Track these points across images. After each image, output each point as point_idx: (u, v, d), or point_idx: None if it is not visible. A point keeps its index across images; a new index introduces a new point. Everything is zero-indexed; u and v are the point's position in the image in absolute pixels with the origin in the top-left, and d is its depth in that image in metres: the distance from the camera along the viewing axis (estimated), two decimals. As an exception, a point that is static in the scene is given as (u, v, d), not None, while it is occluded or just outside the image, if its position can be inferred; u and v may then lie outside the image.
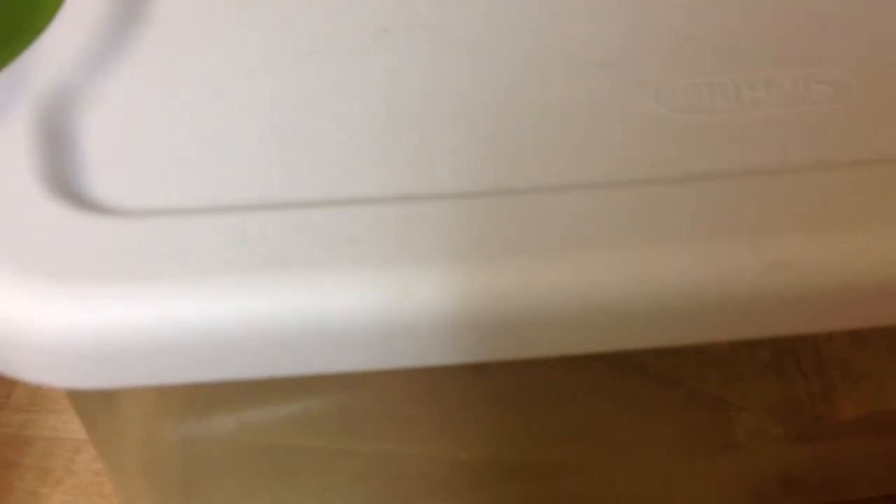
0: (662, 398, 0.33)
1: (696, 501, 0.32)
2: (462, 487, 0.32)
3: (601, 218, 0.21)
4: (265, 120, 0.23)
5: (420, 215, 0.21)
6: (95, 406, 0.28)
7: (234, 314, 0.20)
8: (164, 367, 0.20)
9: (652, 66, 0.24)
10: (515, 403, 0.33)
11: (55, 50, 0.24)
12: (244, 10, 0.25)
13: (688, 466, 0.32)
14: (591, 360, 0.32)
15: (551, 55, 0.24)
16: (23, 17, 0.24)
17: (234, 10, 0.25)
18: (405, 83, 0.24)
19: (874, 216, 0.21)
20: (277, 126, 0.23)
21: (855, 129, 0.23)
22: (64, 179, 0.22)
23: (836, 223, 0.21)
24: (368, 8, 0.25)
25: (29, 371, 0.20)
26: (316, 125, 0.23)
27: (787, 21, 0.25)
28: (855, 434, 0.31)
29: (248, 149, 0.22)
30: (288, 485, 0.32)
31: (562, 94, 0.23)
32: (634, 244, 0.20)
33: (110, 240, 0.20)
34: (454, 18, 0.25)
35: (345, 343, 0.20)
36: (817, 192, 0.21)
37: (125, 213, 0.21)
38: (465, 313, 0.20)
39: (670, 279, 0.20)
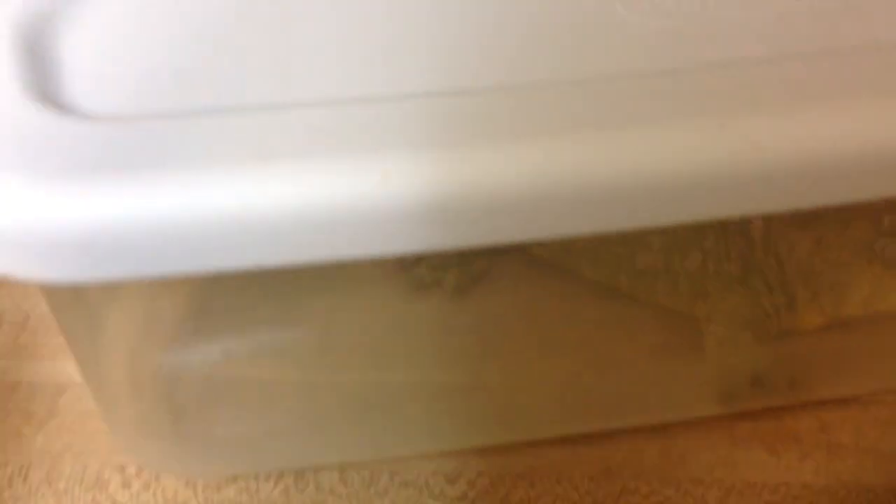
0: (637, 317, 0.34)
1: (669, 403, 0.33)
2: (441, 410, 0.33)
3: (572, 107, 0.22)
4: (233, 32, 0.24)
5: (394, 111, 0.22)
6: (82, 330, 0.28)
7: (215, 205, 0.20)
8: (146, 259, 0.20)
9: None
10: (498, 326, 0.34)
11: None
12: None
13: (661, 374, 0.33)
14: (571, 286, 0.34)
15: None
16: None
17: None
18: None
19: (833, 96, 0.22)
20: (248, 35, 0.23)
21: (810, 23, 0.24)
22: (45, 88, 0.22)
23: (795, 104, 0.22)
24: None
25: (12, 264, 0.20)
26: (290, 31, 0.24)
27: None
28: (818, 338, 0.32)
29: (221, 58, 0.23)
30: (269, 415, 0.33)
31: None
32: (606, 128, 0.21)
33: (92, 140, 0.21)
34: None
35: (328, 229, 0.21)
36: (778, 78, 0.22)
37: (104, 117, 0.21)
38: (439, 195, 0.20)
39: (642, 158, 0.21)
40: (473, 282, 0.35)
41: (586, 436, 0.33)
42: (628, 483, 0.32)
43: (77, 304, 0.29)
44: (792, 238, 0.31)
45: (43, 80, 0.22)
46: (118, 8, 0.24)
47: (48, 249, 0.20)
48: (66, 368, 0.35)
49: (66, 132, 0.21)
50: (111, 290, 0.31)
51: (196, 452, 0.32)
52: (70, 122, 0.21)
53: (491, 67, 0.23)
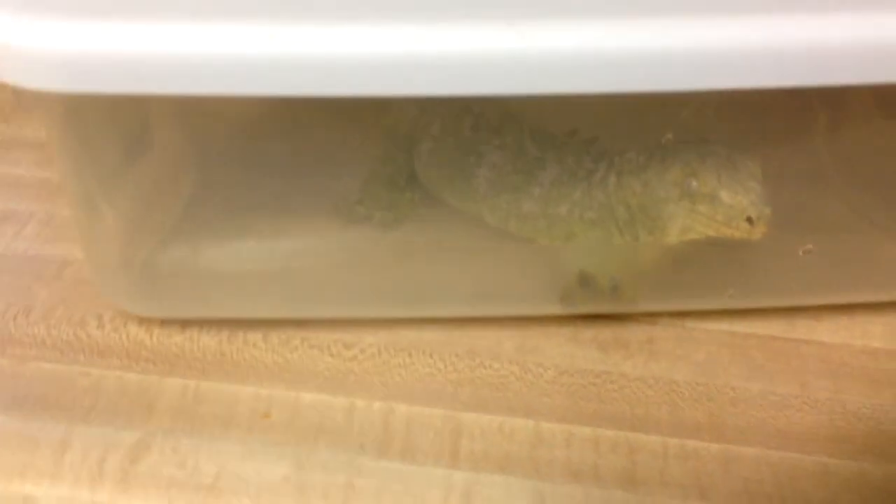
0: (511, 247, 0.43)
1: (521, 300, 0.41)
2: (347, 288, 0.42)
3: None
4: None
5: None
6: (87, 217, 0.39)
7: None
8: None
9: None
10: (408, 250, 0.44)
11: None
12: None
13: (516, 277, 0.42)
14: (474, 228, 0.43)
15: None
16: None
17: None
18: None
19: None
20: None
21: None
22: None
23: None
24: None
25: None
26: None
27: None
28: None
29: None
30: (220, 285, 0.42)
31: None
32: None
33: None
34: None
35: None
36: None
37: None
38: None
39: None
40: (396, 221, 0.45)
41: (458, 321, 0.41)
42: (485, 361, 0.40)
43: (89, 202, 0.40)
44: (631, 183, 0.40)
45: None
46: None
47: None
48: (75, 251, 0.45)
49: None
50: (113, 187, 0.42)
51: (159, 303, 0.42)
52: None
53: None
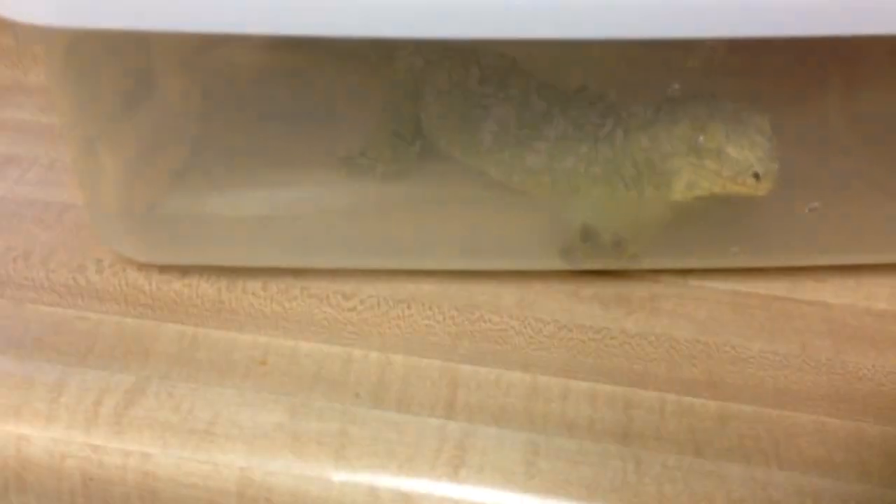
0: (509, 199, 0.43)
1: (522, 253, 0.41)
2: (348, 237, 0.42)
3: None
4: None
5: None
6: (88, 168, 0.38)
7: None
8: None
9: None
10: (410, 201, 0.44)
11: None
12: None
13: (516, 229, 0.41)
14: (477, 181, 0.43)
15: None
16: None
17: None
18: None
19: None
20: None
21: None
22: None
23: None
24: None
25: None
26: None
27: None
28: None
29: None
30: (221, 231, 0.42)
31: None
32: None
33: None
34: None
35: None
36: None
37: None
38: None
39: None
40: (400, 174, 0.45)
41: (457, 274, 0.41)
42: (485, 314, 0.40)
43: (89, 147, 0.40)
44: (638, 138, 0.40)
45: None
46: None
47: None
48: (77, 195, 0.45)
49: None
50: (114, 131, 0.42)
51: (159, 250, 0.41)
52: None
53: None
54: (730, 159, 0.36)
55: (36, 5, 0.30)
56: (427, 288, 0.41)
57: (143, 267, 0.41)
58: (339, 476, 0.34)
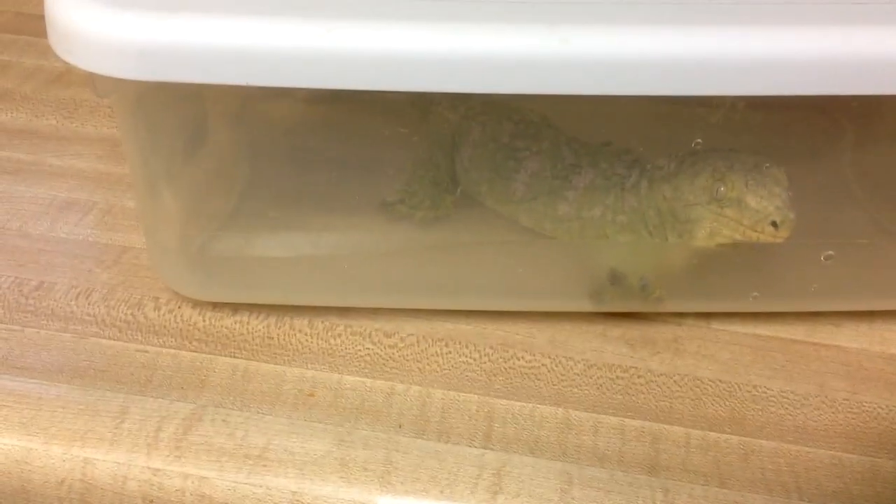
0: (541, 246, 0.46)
1: (553, 296, 0.44)
2: (390, 280, 0.45)
3: None
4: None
5: None
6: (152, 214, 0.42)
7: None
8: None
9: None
10: (446, 247, 0.46)
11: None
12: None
13: (547, 275, 0.44)
14: (510, 228, 0.45)
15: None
16: None
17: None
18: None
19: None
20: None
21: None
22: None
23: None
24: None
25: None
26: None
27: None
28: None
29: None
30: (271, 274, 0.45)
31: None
32: None
33: None
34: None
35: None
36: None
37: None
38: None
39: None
40: (437, 220, 0.47)
41: (492, 315, 0.44)
42: (518, 353, 0.43)
43: (152, 188, 0.43)
44: (662, 188, 0.42)
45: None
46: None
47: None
48: (133, 238, 0.48)
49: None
50: (174, 175, 0.45)
51: (212, 288, 0.44)
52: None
53: None
54: (749, 209, 0.39)
55: (118, 60, 0.33)
56: (464, 328, 0.43)
57: (197, 304, 0.44)
58: (385, 500, 0.36)
